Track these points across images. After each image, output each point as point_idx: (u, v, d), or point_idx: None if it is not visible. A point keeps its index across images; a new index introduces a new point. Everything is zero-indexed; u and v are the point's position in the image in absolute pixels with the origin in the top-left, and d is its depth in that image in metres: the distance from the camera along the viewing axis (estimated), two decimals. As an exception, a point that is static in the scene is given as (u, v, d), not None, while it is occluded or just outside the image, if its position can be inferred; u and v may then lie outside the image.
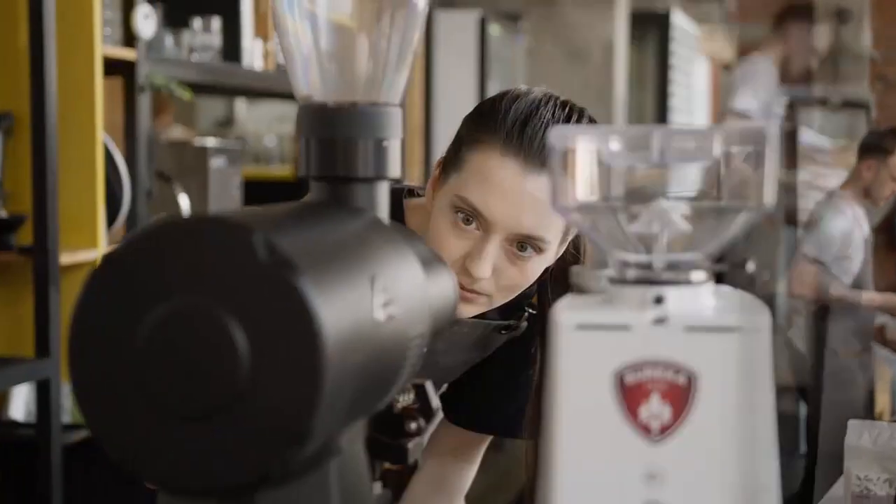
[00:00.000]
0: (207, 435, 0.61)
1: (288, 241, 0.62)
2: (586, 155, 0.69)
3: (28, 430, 2.56)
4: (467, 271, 1.26)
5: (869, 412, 4.35)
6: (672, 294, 0.67)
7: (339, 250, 0.68)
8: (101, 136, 2.55)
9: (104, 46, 2.61)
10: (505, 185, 1.24)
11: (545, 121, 1.28)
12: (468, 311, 1.31)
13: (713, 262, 0.70)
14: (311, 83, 0.82)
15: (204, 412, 0.61)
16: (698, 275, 0.69)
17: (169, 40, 3.01)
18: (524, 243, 1.27)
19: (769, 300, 4.31)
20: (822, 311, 4.33)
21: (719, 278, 0.71)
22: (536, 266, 1.29)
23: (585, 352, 0.67)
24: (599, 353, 0.67)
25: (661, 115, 7.55)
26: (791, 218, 4.43)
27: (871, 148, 4.16)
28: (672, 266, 0.69)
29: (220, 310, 0.61)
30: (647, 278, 0.68)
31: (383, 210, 0.81)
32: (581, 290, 0.76)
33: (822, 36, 4.32)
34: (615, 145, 0.69)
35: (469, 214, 1.26)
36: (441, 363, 1.44)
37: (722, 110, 4.33)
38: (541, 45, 5.50)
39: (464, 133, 1.31)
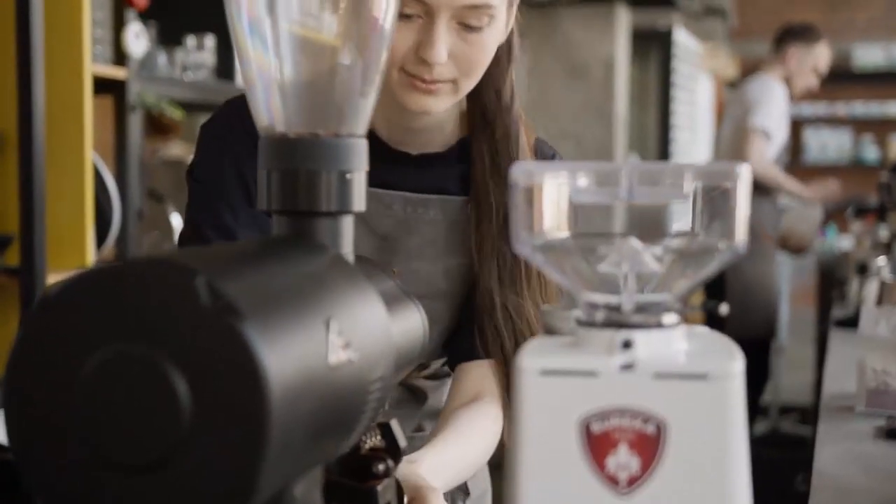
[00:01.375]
0: (148, 487, 0.58)
1: (233, 284, 0.59)
2: (552, 191, 0.66)
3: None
4: (424, 61, 1.23)
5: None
6: (641, 338, 0.64)
7: (291, 292, 0.65)
8: (90, 156, 2.52)
9: (94, 65, 2.58)
10: None
11: None
12: (435, 103, 1.27)
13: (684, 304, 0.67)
14: (272, 113, 0.79)
15: (144, 463, 0.58)
16: (669, 317, 0.66)
17: (162, 58, 2.98)
18: (471, 16, 1.22)
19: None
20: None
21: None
22: (490, 38, 1.25)
23: (550, 399, 0.64)
24: (564, 401, 0.63)
25: (664, 132, 7.53)
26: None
27: (797, 35, 4.34)
28: (642, 308, 0.66)
29: (161, 356, 0.58)
30: (616, 321, 0.65)
31: (347, 244, 0.78)
32: (550, 332, 0.73)
33: (822, 56, 4.35)
34: (582, 181, 0.66)
35: (405, 3, 1.21)
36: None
37: (738, 126, 4.34)
38: (541, 63, 5.48)
39: None
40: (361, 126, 0.79)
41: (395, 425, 0.83)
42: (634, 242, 0.67)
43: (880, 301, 2.85)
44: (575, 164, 0.66)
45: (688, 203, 0.65)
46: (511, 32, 1.34)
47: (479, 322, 1.33)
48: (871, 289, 2.91)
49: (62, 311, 0.60)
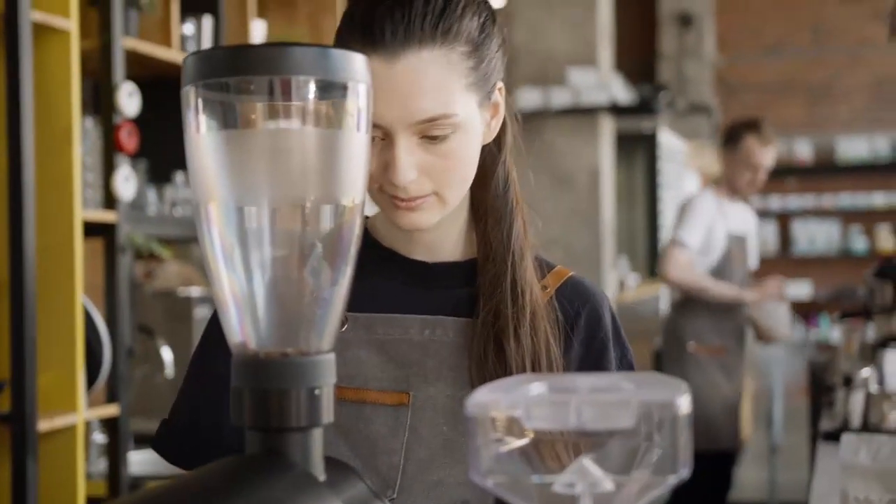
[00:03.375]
0: None
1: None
2: (504, 420, 0.70)
3: None
4: (393, 183, 1.19)
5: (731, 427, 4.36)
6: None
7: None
8: (80, 300, 2.56)
9: (85, 210, 2.64)
10: (375, 85, 1.19)
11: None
12: (421, 219, 1.22)
13: None
14: (244, 332, 0.83)
15: None
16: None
17: (152, 195, 3.05)
18: (432, 129, 1.17)
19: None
20: (683, 301, 4.41)
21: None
22: (461, 144, 1.20)
23: None
24: None
25: (652, 231, 7.61)
26: None
27: (725, 141, 4.44)
28: (597, 528, 0.69)
29: None
30: (572, 543, 0.68)
31: (317, 457, 0.81)
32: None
33: (752, 151, 4.40)
34: (535, 411, 0.70)
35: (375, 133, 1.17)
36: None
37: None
38: (526, 173, 5.56)
39: None
40: (328, 342, 0.83)
41: None
42: (588, 464, 0.70)
43: (867, 413, 2.87)
44: (527, 394, 0.70)
45: (634, 430, 0.69)
46: (504, 125, 1.30)
47: None
48: (857, 400, 2.93)
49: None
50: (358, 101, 0.83)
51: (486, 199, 1.30)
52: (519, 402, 0.70)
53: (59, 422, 2.52)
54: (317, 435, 0.82)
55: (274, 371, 0.80)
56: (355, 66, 0.82)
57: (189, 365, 1.37)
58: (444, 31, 1.18)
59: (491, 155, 1.30)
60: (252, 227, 0.82)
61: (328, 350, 0.83)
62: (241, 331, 0.83)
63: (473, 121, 1.22)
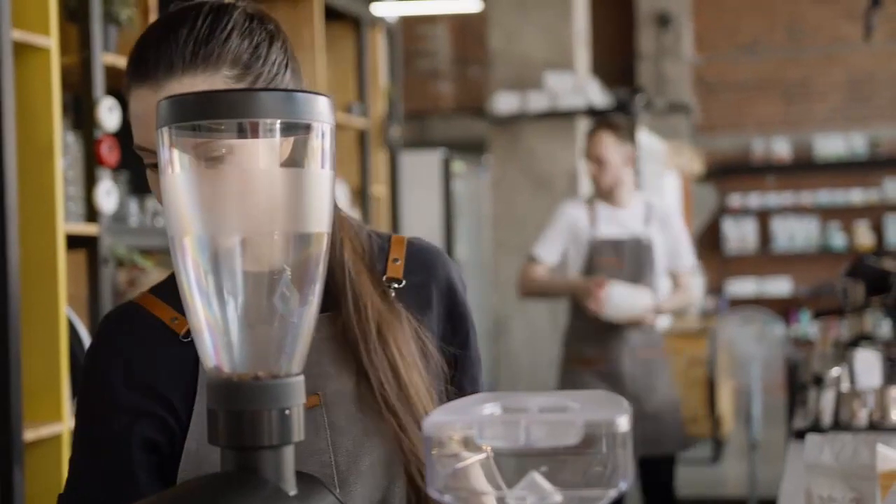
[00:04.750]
0: None
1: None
2: (459, 440, 0.76)
3: None
4: None
5: None
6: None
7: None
8: (64, 312, 2.61)
9: (67, 223, 2.68)
10: (144, 112, 1.21)
11: (170, 21, 1.22)
12: None
13: None
14: (218, 356, 0.88)
15: None
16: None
17: (134, 206, 3.10)
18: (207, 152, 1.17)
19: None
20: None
21: None
22: (245, 164, 1.15)
23: None
24: None
25: (632, 232, 7.66)
26: None
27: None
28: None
29: None
30: (521, 553, 0.74)
31: (288, 473, 0.87)
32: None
33: (615, 152, 4.33)
34: (488, 430, 0.76)
35: (152, 160, 1.20)
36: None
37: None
38: (506, 176, 5.64)
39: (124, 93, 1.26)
40: (297, 364, 0.89)
41: None
42: (538, 478, 0.76)
43: (837, 412, 2.93)
44: (480, 415, 0.76)
45: (579, 447, 0.75)
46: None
47: None
48: (828, 399, 2.99)
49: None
50: (322, 141, 0.88)
51: None
52: (473, 422, 0.76)
53: (44, 431, 2.57)
54: (288, 452, 0.87)
55: (246, 393, 0.86)
56: (318, 108, 0.88)
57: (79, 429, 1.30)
58: (205, 57, 1.21)
59: None
60: (224, 258, 0.87)
61: (297, 372, 0.89)
62: (215, 356, 0.89)
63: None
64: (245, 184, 0.88)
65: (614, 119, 4.41)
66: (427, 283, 1.36)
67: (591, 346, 4.29)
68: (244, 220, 0.88)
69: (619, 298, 4.17)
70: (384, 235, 1.39)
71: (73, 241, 2.75)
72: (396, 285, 1.33)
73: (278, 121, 0.86)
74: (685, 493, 5.66)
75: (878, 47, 9.52)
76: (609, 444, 0.74)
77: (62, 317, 2.60)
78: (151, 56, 1.21)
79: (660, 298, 4.38)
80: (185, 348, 1.27)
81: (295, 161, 0.89)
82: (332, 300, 1.30)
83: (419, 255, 1.37)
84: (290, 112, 0.87)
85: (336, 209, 1.31)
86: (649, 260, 4.35)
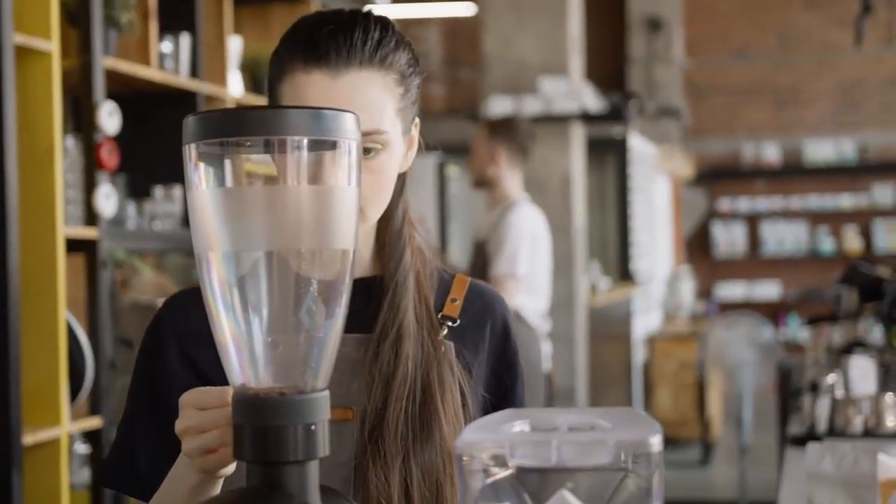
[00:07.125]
0: None
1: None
2: (490, 458, 0.76)
3: None
4: None
5: None
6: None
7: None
8: (63, 315, 2.61)
9: (67, 227, 2.68)
10: (319, 97, 1.21)
11: (341, 18, 1.25)
12: None
13: None
14: (244, 372, 0.89)
15: None
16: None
17: (132, 210, 3.09)
18: (363, 142, 1.18)
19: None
20: None
21: None
22: (387, 162, 1.25)
23: None
24: None
25: (623, 235, 7.69)
26: None
27: None
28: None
29: None
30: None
31: (313, 488, 0.87)
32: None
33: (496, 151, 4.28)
34: (519, 449, 0.76)
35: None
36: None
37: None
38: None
39: (272, 78, 1.28)
40: (322, 380, 0.89)
41: None
42: (567, 495, 0.77)
43: (832, 418, 2.94)
44: (512, 433, 0.76)
45: (610, 466, 0.75)
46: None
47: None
48: (824, 405, 3.00)
49: None
50: (349, 157, 0.89)
51: (386, 229, 1.33)
52: (504, 441, 0.77)
53: (42, 435, 2.57)
54: (313, 467, 0.88)
55: (272, 409, 0.87)
56: (345, 125, 0.88)
57: (132, 388, 1.36)
58: (382, 58, 1.24)
59: (396, 189, 1.33)
60: (250, 274, 0.88)
61: (323, 388, 0.89)
62: (241, 372, 0.89)
63: (398, 145, 1.28)
64: (271, 201, 0.89)
65: (513, 122, 4.37)
66: (481, 326, 1.36)
67: None
68: (270, 237, 0.88)
69: None
70: (449, 272, 1.40)
71: (72, 245, 2.75)
72: (451, 324, 1.33)
73: (305, 138, 0.87)
74: (674, 496, 5.67)
75: (868, 54, 9.54)
76: (641, 463, 0.74)
77: (62, 320, 2.60)
78: (331, 44, 1.22)
79: None
80: None
81: (321, 178, 0.89)
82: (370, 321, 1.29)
83: (478, 298, 1.38)
84: (317, 129, 0.87)
85: (408, 226, 1.34)
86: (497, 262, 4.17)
